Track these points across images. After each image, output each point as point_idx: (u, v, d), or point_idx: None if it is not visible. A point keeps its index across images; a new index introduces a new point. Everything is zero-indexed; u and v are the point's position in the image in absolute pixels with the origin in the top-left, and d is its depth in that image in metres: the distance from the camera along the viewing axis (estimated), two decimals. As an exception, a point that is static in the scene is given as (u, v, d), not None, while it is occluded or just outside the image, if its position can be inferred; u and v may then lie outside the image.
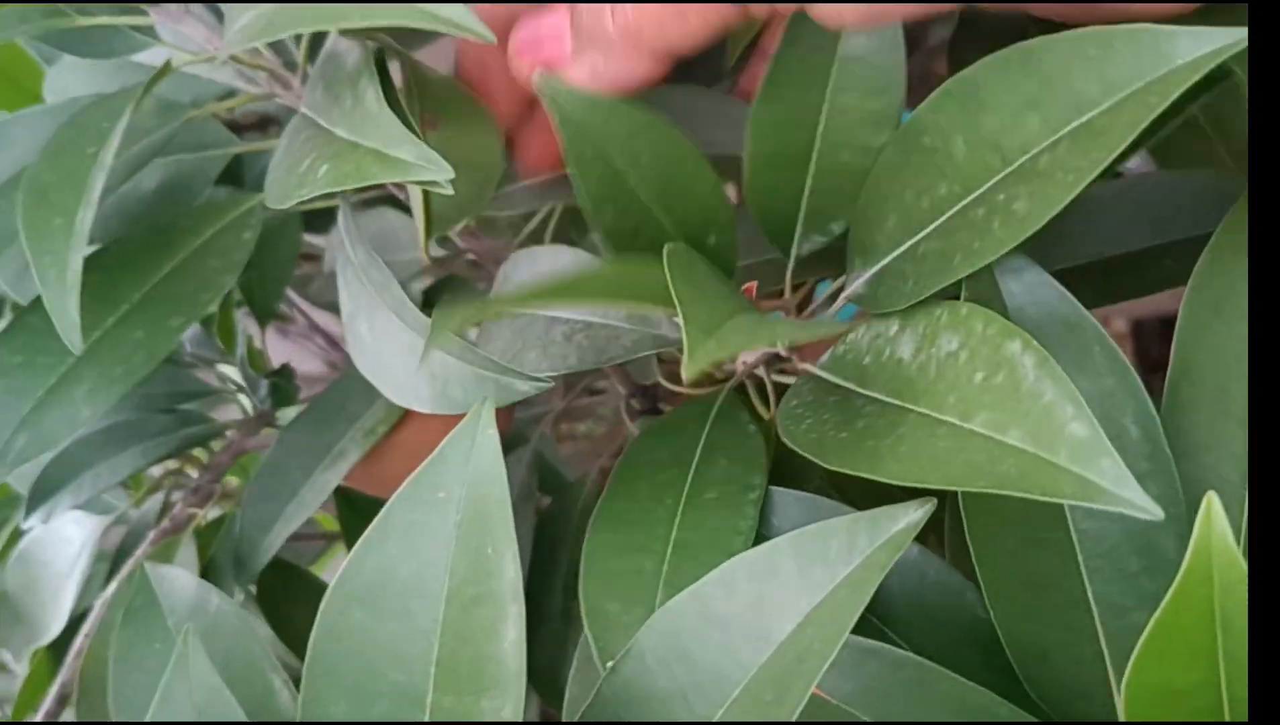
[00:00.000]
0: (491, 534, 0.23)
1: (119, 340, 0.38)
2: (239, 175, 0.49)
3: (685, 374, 0.25)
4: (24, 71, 0.54)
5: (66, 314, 0.33)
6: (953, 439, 0.25)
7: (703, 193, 0.33)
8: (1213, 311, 0.29)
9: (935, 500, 0.24)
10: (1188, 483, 0.29)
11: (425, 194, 0.39)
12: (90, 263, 0.39)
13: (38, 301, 0.38)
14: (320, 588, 0.54)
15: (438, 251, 0.51)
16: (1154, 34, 0.24)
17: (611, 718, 0.24)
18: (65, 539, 0.50)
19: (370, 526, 0.24)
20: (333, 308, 0.74)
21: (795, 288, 0.37)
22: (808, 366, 0.33)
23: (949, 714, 0.27)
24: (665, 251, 0.29)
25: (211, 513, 0.48)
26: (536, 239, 0.50)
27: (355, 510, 0.51)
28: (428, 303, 0.54)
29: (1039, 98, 0.26)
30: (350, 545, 0.53)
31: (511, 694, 0.22)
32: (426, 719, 0.23)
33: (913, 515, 0.24)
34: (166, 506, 0.51)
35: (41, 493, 0.45)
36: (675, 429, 0.36)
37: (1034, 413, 0.24)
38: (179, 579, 0.33)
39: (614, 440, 0.64)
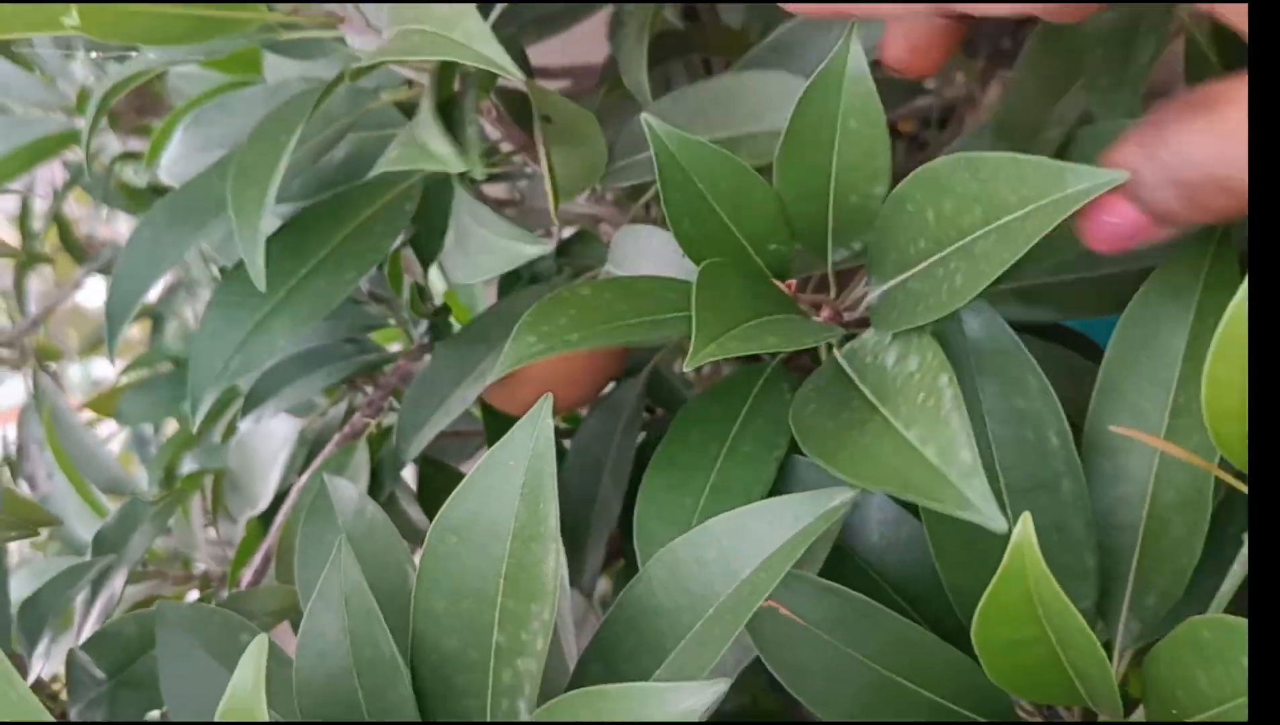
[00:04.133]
0: (543, 494, 0.33)
1: (307, 289, 0.50)
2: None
3: (686, 367, 0.34)
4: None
5: (255, 263, 0.44)
6: (893, 445, 0.34)
7: (767, 213, 0.41)
8: (1140, 345, 0.37)
9: (860, 490, 0.33)
10: (1102, 477, 0.37)
11: (551, 171, 0.49)
12: (287, 226, 0.50)
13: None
14: (468, 483, 0.65)
15: (578, 210, 0.59)
16: (1054, 167, 0.32)
17: (626, 622, 0.35)
18: (272, 433, 0.63)
19: (463, 482, 0.34)
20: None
21: (839, 290, 0.45)
22: (836, 353, 0.41)
23: (887, 637, 0.36)
24: (700, 268, 0.38)
25: (383, 421, 0.59)
26: (648, 208, 0.59)
27: (496, 419, 0.62)
28: (561, 252, 0.64)
29: (980, 195, 0.34)
30: (490, 445, 0.64)
31: (549, 602, 0.33)
32: (496, 615, 0.34)
33: (845, 496, 0.33)
34: (349, 411, 0.64)
35: (253, 401, 0.58)
36: (731, 390, 0.45)
37: (944, 436, 0.32)
38: (347, 490, 0.44)
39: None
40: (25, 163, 0.90)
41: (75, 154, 1.07)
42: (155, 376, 0.91)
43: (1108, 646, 0.37)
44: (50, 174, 1.04)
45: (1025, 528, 0.28)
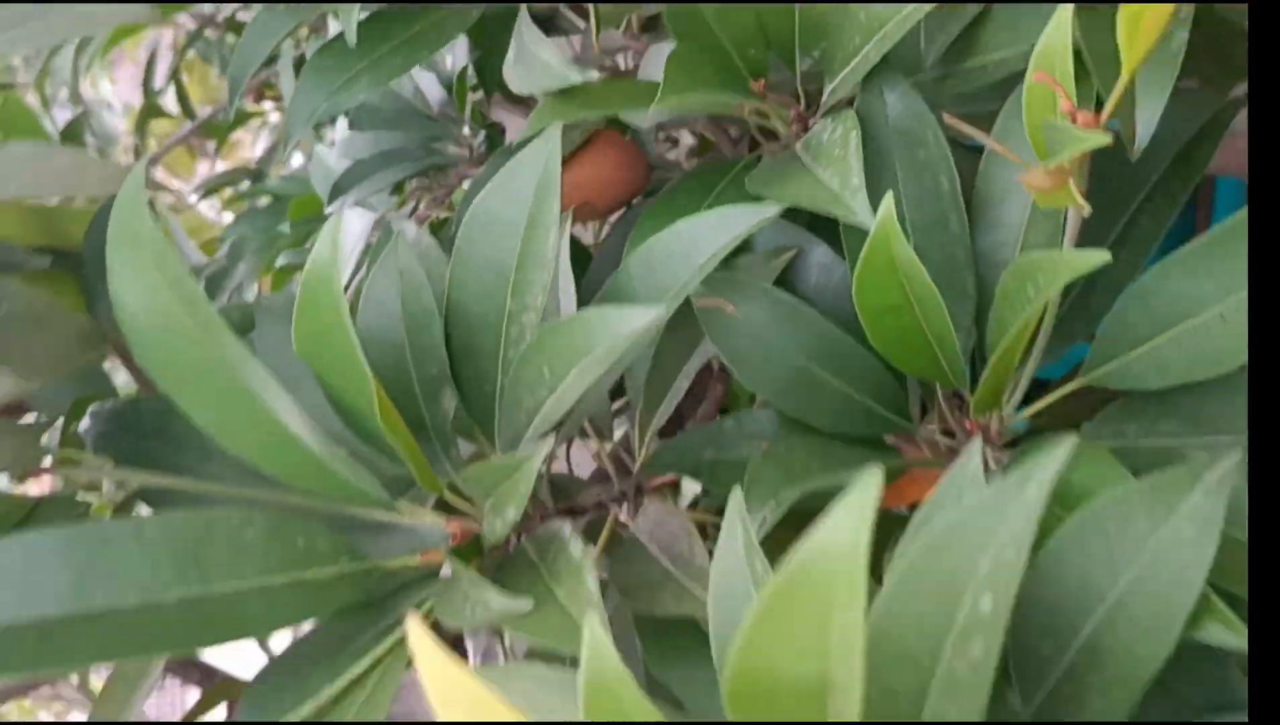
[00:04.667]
0: (550, 190, 0.45)
1: (387, 59, 0.62)
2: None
3: (650, 109, 0.45)
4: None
5: (351, 25, 0.57)
6: (810, 180, 0.45)
7: (747, 25, 0.52)
8: (1005, 133, 0.47)
9: (782, 207, 0.44)
10: (987, 223, 0.47)
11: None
12: (374, 17, 0.62)
13: (340, 36, 0.61)
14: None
15: (615, 45, 0.70)
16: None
17: (618, 291, 0.46)
18: (350, 227, 0.75)
19: (491, 180, 0.46)
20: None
21: (807, 97, 0.55)
22: (796, 146, 0.52)
23: (811, 334, 0.47)
24: (672, 51, 0.49)
25: (442, 215, 0.71)
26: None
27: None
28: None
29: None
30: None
31: (549, 269, 0.44)
32: (510, 287, 0.45)
33: (774, 208, 0.44)
34: (415, 208, 0.76)
35: (338, 190, 0.70)
36: (714, 170, 0.56)
37: (843, 170, 0.43)
38: (408, 226, 0.56)
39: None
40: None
41: (191, 21, 1.20)
42: (254, 209, 1.04)
43: (975, 368, 0.47)
44: (173, 38, 1.17)
45: (886, 204, 0.39)
